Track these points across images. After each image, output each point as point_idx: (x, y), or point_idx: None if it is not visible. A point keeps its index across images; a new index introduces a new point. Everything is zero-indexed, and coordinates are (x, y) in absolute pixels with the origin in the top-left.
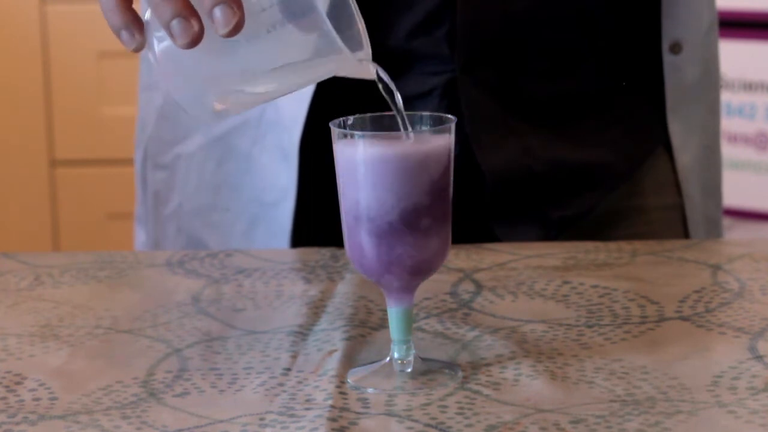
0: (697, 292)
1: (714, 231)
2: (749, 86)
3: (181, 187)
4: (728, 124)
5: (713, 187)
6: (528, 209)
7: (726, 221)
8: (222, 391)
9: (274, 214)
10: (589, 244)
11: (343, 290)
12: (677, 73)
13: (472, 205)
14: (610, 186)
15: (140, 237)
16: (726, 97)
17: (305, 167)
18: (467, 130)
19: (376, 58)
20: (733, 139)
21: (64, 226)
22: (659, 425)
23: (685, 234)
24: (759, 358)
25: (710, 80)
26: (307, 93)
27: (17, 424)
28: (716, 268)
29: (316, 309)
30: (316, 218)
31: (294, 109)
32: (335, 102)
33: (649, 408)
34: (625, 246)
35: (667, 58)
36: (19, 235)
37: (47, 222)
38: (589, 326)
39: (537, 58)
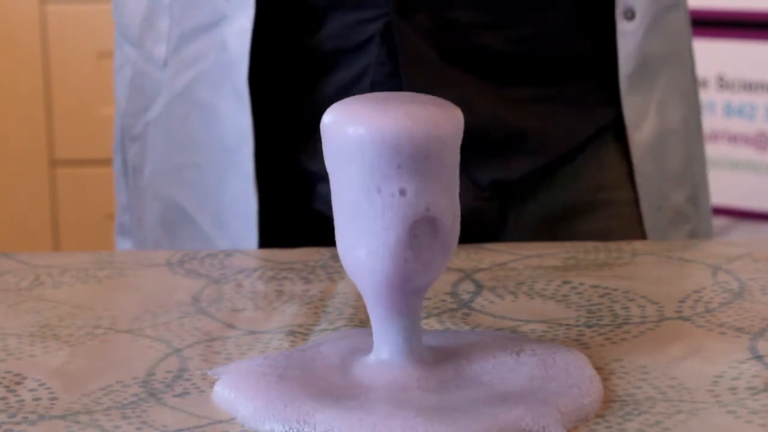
0: (697, 292)
1: (680, 223)
2: (749, 86)
3: (151, 153)
4: (728, 124)
5: (678, 175)
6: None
7: (726, 221)
8: None
9: (238, 158)
10: (589, 245)
11: (343, 290)
12: (632, 40)
13: None
14: (545, 154)
15: (123, 247)
16: (726, 97)
17: (258, 104)
18: (403, 77)
19: (312, 7)
20: (733, 139)
21: (64, 226)
22: (659, 425)
23: (639, 220)
24: (759, 358)
25: (679, 61)
26: (247, 24)
27: (17, 424)
28: (716, 268)
29: (316, 309)
30: (278, 157)
31: (238, 44)
32: (279, 28)
33: (649, 408)
34: (625, 246)
35: (621, 24)
36: (19, 235)
37: (47, 222)
38: (589, 326)
39: (476, 5)
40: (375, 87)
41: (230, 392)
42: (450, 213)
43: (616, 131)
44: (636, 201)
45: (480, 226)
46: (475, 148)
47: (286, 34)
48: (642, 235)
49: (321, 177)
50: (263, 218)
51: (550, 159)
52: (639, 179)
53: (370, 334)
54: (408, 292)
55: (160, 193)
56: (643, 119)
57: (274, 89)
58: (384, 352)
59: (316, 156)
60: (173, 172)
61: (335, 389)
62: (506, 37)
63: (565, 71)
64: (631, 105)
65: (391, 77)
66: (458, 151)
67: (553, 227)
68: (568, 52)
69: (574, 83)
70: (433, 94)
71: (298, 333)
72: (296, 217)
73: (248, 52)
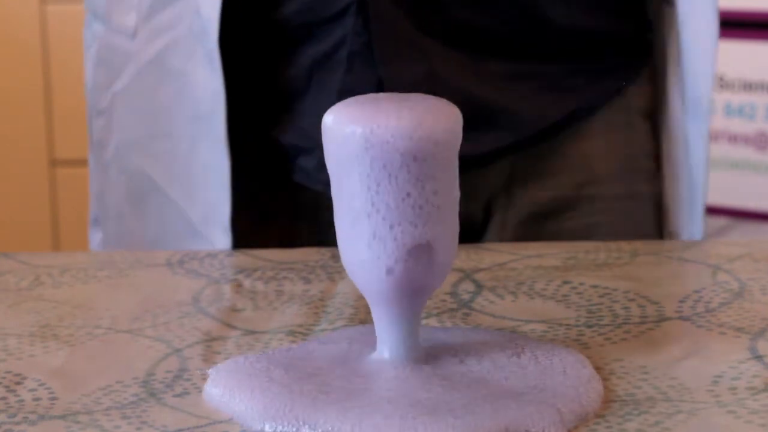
0: (697, 292)
1: (695, 193)
2: (749, 86)
3: (117, 125)
4: (728, 124)
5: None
6: None
7: (726, 221)
8: None
9: (210, 125)
10: (589, 245)
11: (343, 290)
12: (672, 22)
13: None
14: (513, 133)
15: (95, 239)
16: (726, 97)
17: (232, 73)
18: (374, 47)
19: None
20: (733, 139)
21: (64, 226)
22: (659, 425)
23: (628, 214)
24: (759, 358)
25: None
26: None
27: (17, 424)
28: (716, 268)
29: (316, 309)
30: (254, 128)
31: (210, 8)
32: None
33: (649, 408)
34: (625, 246)
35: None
36: (19, 235)
37: (47, 222)
38: (589, 326)
39: None
40: (352, 57)
41: (228, 392)
42: (450, 230)
43: (605, 116)
44: (625, 195)
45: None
46: None
47: (261, 4)
48: (629, 229)
49: (302, 149)
50: (237, 187)
51: (519, 138)
52: (667, 158)
53: (372, 332)
54: (408, 293)
55: (127, 166)
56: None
57: (250, 59)
58: (385, 351)
59: (294, 128)
60: (142, 143)
61: (335, 388)
62: (486, 9)
63: (545, 50)
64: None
65: (368, 48)
66: (457, 150)
67: (538, 225)
68: (549, 30)
69: (553, 63)
70: (402, 65)
71: (298, 333)
72: (273, 188)
73: (218, 16)
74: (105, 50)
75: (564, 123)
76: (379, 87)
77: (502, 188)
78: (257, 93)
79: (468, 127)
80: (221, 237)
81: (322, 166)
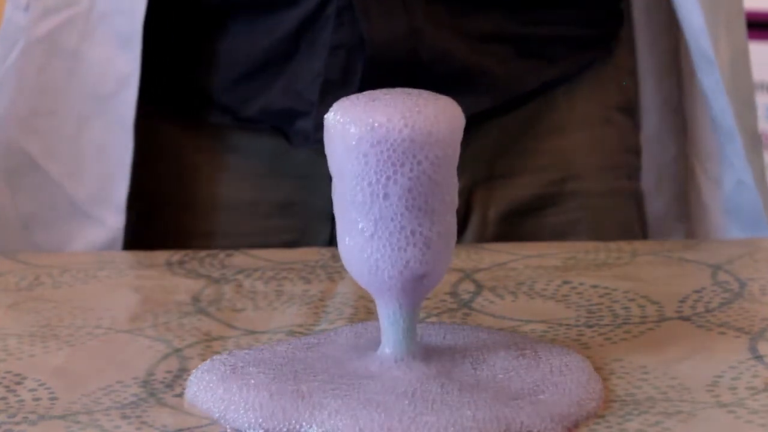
0: (697, 292)
1: (758, 148)
2: None
3: (2, 99)
4: None
5: (749, 97)
6: None
7: None
8: None
9: (114, 104)
10: (589, 245)
11: (343, 290)
12: None
13: (344, 80)
14: (492, 97)
15: None
16: None
17: (148, 51)
18: (354, 4)
19: None
20: None
21: None
22: (659, 425)
23: (608, 211)
24: (759, 358)
25: None
26: None
27: (17, 424)
28: (716, 268)
29: (316, 309)
30: (163, 101)
31: None
32: None
33: (649, 408)
34: (625, 246)
35: None
36: None
37: None
38: (589, 326)
39: None
40: (341, 12)
41: (220, 393)
42: (449, 230)
43: (583, 111)
44: (606, 191)
45: None
46: (420, 81)
47: None
48: (611, 225)
49: (299, 113)
50: (137, 169)
51: (496, 103)
52: (720, 103)
53: (376, 329)
54: (409, 291)
55: (2, 141)
56: (718, 39)
57: (166, 26)
58: (387, 347)
59: (288, 92)
60: (23, 119)
61: (334, 386)
62: None
63: (532, 16)
64: (710, 20)
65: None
66: (458, 148)
67: (519, 221)
68: None
69: (531, 24)
70: (383, 20)
71: (298, 333)
72: (174, 174)
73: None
74: (5, 24)
75: (540, 91)
76: (362, 42)
77: (481, 183)
78: (234, 64)
79: (447, 89)
80: (114, 217)
81: (318, 126)
